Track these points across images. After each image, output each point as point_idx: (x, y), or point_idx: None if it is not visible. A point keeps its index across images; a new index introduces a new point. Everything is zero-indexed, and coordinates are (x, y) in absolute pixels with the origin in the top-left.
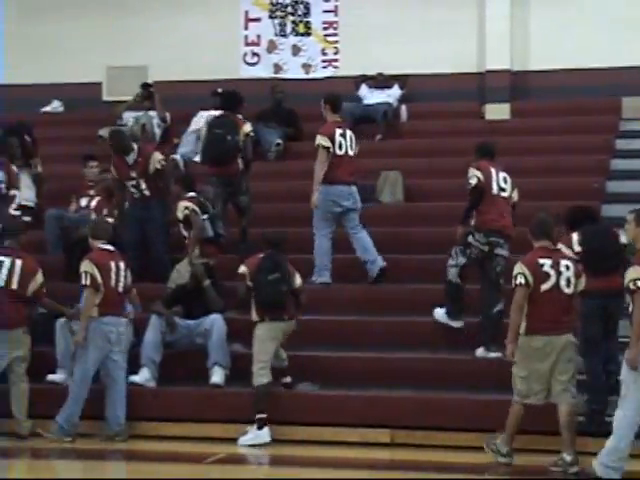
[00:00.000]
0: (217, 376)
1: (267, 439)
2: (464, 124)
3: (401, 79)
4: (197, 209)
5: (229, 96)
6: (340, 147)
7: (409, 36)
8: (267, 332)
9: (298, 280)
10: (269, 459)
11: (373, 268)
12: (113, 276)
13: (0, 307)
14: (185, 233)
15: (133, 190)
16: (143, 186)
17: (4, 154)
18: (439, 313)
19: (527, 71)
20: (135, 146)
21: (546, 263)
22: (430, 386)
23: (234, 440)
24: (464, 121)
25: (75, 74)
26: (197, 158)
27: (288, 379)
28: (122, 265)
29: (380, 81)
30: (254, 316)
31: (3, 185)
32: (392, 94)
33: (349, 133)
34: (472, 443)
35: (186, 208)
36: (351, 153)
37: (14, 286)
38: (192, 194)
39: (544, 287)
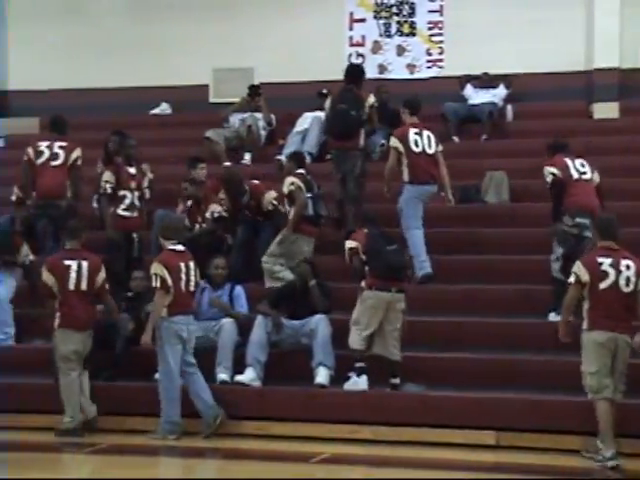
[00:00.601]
0: (322, 376)
1: (364, 386)
2: (571, 123)
3: (507, 78)
4: (302, 186)
5: (352, 70)
6: (416, 145)
7: (515, 35)
8: (372, 300)
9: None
10: (374, 460)
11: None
12: (183, 276)
13: (71, 310)
14: (288, 208)
15: (245, 217)
16: (258, 218)
17: (117, 155)
18: (553, 317)
19: (636, 69)
20: (247, 188)
21: (605, 262)
22: (537, 388)
23: (339, 440)
24: (571, 120)
25: (183, 76)
26: None
27: (397, 380)
28: (192, 265)
29: (485, 81)
30: (363, 284)
31: (109, 185)
32: (498, 94)
33: (426, 132)
34: (579, 446)
35: (292, 184)
36: (430, 151)
37: (83, 288)
38: (301, 171)
39: (602, 285)
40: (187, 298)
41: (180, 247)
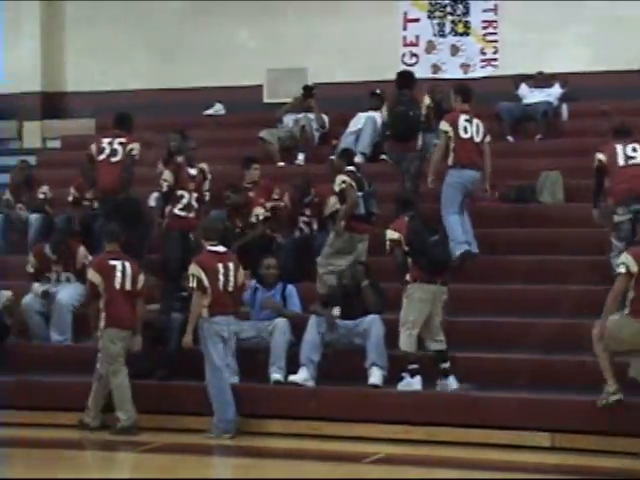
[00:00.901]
0: (375, 377)
1: (418, 387)
2: (629, 122)
3: (562, 78)
4: (353, 184)
5: (402, 77)
6: (465, 131)
7: (569, 34)
8: (419, 293)
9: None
10: (427, 460)
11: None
12: (221, 277)
13: (117, 309)
14: (339, 206)
15: (302, 225)
16: (314, 226)
17: (178, 154)
18: None
19: None
20: (312, 190)
21: None
22: (592, 389)
23: (392, 441)
24: (628, 120)
25: (237, 77)
26: (356, 159)
27: (447, 364)
28: (231, 265)
29: (540, 80)
30: (408, 277)
31: (166, 184)
32: (553, 93)
33: (476, 121)
34: (637, 449)
35: (343, 182)
36: (477, 139)
37: (128, 288)
38: (351, 168)
39: None
40: (227, 299)
41: (220, 248)
